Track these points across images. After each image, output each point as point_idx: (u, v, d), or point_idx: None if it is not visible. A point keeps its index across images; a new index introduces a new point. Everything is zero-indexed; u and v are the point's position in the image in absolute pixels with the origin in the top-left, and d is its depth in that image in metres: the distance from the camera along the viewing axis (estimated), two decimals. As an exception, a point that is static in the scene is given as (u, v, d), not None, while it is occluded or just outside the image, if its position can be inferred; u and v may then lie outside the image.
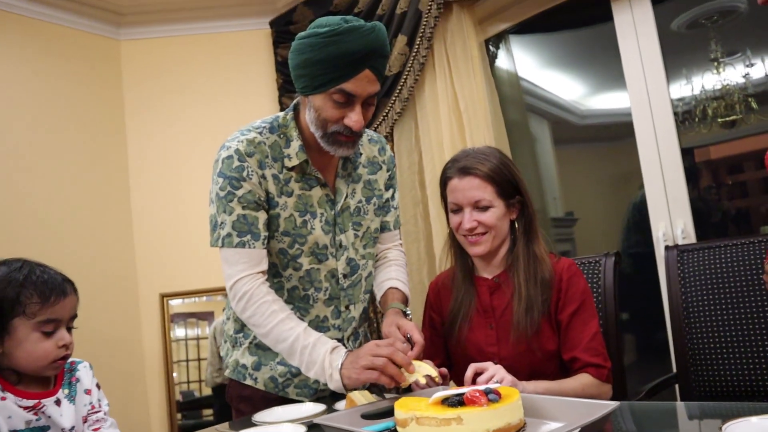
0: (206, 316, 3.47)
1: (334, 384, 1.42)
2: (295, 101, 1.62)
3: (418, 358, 1.43)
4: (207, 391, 3.40)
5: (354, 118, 1.44)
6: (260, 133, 1.55)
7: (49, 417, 1.30)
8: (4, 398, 1.26)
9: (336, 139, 1.49)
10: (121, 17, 3.48)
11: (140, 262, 3.43)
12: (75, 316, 1.37)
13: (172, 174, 3.48)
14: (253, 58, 3.57)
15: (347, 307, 1.66)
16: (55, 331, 1.31)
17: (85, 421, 1.36)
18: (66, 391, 1.36)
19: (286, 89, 3.42)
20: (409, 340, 1.47)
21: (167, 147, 3.49)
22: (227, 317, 1.73)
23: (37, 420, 1.29)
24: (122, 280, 3.33)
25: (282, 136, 1.57)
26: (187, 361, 3.42)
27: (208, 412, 3.45)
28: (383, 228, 1.78)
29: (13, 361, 1.29)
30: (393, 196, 1.80)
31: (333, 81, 1.41)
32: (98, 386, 1.43)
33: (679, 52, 2.77)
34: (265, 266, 1.54)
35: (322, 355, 1.43)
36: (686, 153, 2.57)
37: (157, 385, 3.37)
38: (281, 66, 3.45)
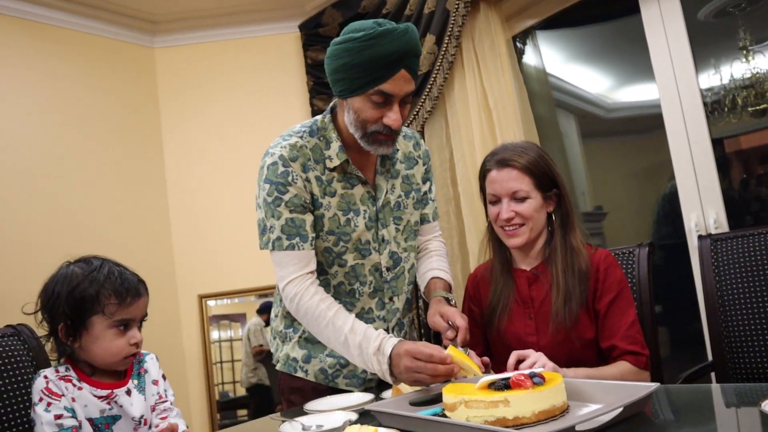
0: (239, 318, 3.54)
1: (395, 383, 1.47)
2: (331, 104, 1.69)
3: (464, 344, 1.48)
4: (241, 392, 3.47)
5: (393, 117, 1.51)
6: (301, 137, 1.62)
7: (121, 406, 1.38)
8: (80, 388, 1.34)
9: (376, 138, 1.55)
10: (155, 26, 3.58)
11: (179, 263, 3.52)
12: (146, 314, 1.44)
13: (208, 177, 3.57)
14: (284, 61, 3.64)
15: (391, 299, 1.72)
16: (127, 329, 1.38)
17: (153, 410, 1.44)
18: (135, 381, 1.43)
19: (316, 91, 3.48)
20: (452, 326, 1.52)
21: (202, 150, 3.58)
22: (275, 314, 1.81)
23: (110, 409, 1.36)
24: (162, 282, 3.42)
25: (322, 138, 1.63)
26: (221, 362, 3.50)
27: (242, 413, 3.51)
28: (423, 220, 1.84)
29: (89, 355, 1.36)
30: (430, 189, 1.86)
31: (371, 83, 1.47)
32: (164, 377, 1.50)
33: (707, 41, 2.76)
34: (313, 266, 1.60)
35: (371, 359, 1.48)
36: (716, 143, 2.57)
37: (197, 385, 3.45)
38: (311, 68, 3.51)
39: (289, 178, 1.57)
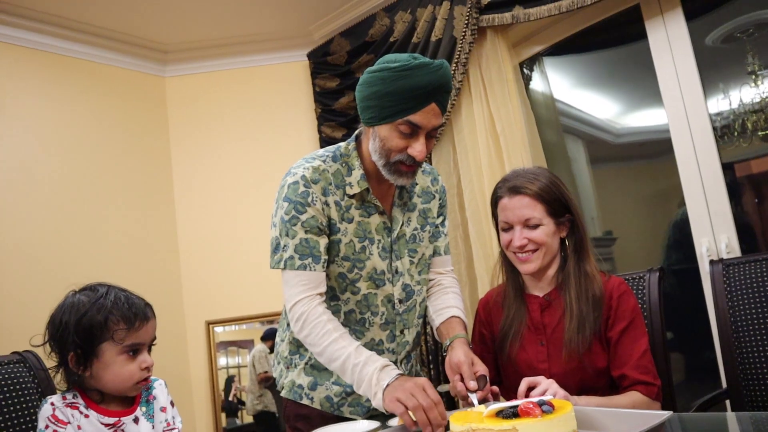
0: (246, 344, 3.53)
1: (376, 402, 1.42)
2: (356, 132, 1.70)
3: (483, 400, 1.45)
4: (248, 419, 3.44)
5: (418, 148, 1.52)
6: (324, 161, 1.62)
7: None
8: (87, 416, 1.33)
9: (398, 168, 1.55)
10: (165, 55, 3.63)
11: (186, 289, 3.52)
12: (155, 338, 1.43)
13: (217, 204, 3.58)
14: (293, 89, 3.68)
15: (402, 332, 1.70)
16: (138, 354, 1.37)
17: None
18: (144, 408, 1.41)
19: (324, 118, 3.51)
20: (483, 381, 1.48)
21: (212, 178, 3.61)
22: (281, 339, 1.79)
23: None
24: (169, 308, 3.42)
25: (344, 165, 1.64)
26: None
27: (249, 440, 3.49)
28: (435, 253, 1.82)
29: (100, 383, 1.35)
30: (443, 223, 1.85)
31: (401, 113, 1.48)
32: (172, 403, 1.48)
33: (716, 66, 2.76)
34: (323, 289, 1.58)
35: (370, 374, 1.45)
36: (727, 168, 2.56)
37: (204, 412, 3.42)
38: (320, 96, 3.54)
39: (309, 199, 1.57)
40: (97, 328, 1.32)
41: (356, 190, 1.62)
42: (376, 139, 1.55)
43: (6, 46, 3.03)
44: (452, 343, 1.62)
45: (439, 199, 1.84)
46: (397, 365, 1.69)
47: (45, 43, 3.16)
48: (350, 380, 1.50)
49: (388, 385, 1.41)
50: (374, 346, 1.66)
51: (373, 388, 1.43)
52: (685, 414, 1.32)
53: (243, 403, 3.45)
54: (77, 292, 1.39)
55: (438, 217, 1.83)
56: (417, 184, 1.77)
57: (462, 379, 1.50)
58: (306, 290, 1.55)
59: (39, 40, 3.13)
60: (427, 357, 3.04)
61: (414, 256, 1.72)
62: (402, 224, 1.71)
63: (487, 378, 1.49)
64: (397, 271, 1.68)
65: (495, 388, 1.53)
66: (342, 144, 1.69)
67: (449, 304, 1.76)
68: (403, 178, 1.57)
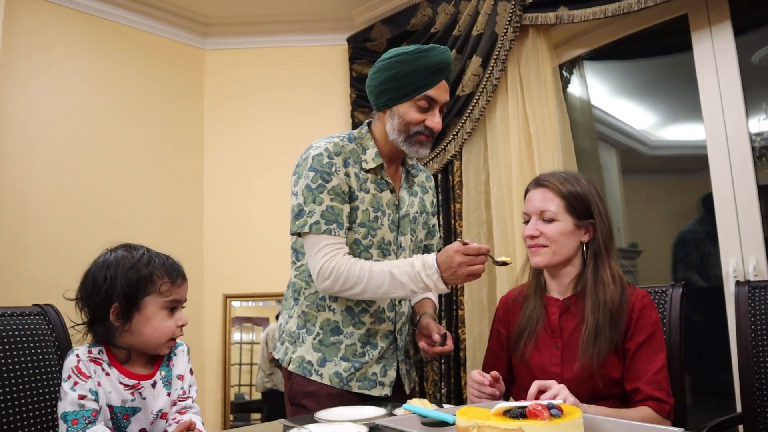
0: (261, 322, 3.57)
1: (440, 289, 1.63)
2: (367, 121, 1.88)
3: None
4: (257, 395, 3.49)
5: (435, 120, 1.74)
6: (341, 140, 1.80)
7: (144, 399, 1.37)
8: (108, 374, 1.35)
9: (417, 140, 1.75)
10: (207, 28, 3.65)
11: (207, 260, 3.56)
12: (186, 299, 1.47)
13: (245, 179, 3.61)
14: (329, 72, 3.68)
15: (399, 302, 1.86)
16: (175, 312, 1.41)
17: (173, 404, 1.43)
18: (163, 373, 1.43)
19: (358, 104, 3.51)
20: (444, 338, 1.70)
21: (241, 153, 3.63)
22: (289, 316, 1.84)
23: (132, 400, 1.36)
24: (189, 278, 3.45)
25: (359, 145, 1.82)
26: (240, 364, 3.52)
27: (256, 416, 3.53)
28: (428, 249, 2.00)
29: (137, 338, 1.37)
30: (436, 220, 2.05)
31: (420, 89, 1.71)
32: (191, 371, 1.49)
33: (760, 85, 2.70)
34: (346, 250, 1.70)
35: (420, 277, 1.61)
36: (763, 190, 2.50)
37: (214, 385, 3.47)
38: (356, 81, 3.53)
39: (333, 169, 1.71)
40: (143, 280, 1.36)
41: (372, 165, 1.78)
42: (395, 118, 1.75)
43: (53, 6, 3.08)
44: (421, 318, 1.84)
45: (432, 195, 2.03)
46: (395, 333, 1.84)
47: (89, 6, 3.20)
48: (402, 291, 1.64)
49: (441, 276, 1.60)
50: (378, 314, 1.80)
51: (435, 285, 1.61)
52: (696, 433, 1.29)
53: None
54: (114, 250, 1.41)
55: (432, 215, 2.01)
56: (416, 177, 1.96)
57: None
58: (332, 250, 1.66)
59: (84, 2, 3.17)
60: (447, 374, 3.02)
61: (414, 235, 1.90)
62: (407, 204, 1.87)
63: (448, 336, 1.71)
64: (400, 246, 1.84)
65: (495, 373, 1.54)
66: (354, 131, 1.86)
67: None
68: (423, 149, 1.77)
